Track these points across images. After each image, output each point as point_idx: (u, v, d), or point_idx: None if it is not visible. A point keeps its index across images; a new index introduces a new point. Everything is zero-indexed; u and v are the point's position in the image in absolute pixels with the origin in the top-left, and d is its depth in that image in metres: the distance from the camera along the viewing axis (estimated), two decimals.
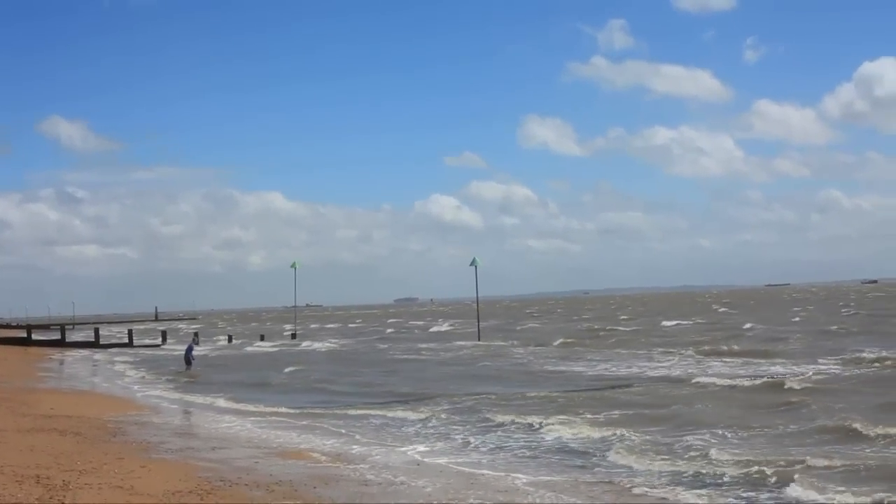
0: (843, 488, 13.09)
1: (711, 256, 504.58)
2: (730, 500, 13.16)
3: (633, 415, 21.41)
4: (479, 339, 60.41)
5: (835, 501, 12.58)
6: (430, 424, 21.89)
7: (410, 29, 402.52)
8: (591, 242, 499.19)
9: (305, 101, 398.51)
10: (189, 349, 44.17)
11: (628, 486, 14.25)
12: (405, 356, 48.34)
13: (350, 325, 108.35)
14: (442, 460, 16.97)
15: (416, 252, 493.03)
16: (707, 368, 33.47)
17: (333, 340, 70.23)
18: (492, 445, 18.63)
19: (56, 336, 79.52)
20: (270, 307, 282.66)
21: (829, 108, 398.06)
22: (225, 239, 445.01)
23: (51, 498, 11.88)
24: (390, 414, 23.99)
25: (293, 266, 76.93)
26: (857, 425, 17.68)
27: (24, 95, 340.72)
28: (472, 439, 19.43)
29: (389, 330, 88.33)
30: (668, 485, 14.18)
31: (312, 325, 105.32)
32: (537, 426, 20.31)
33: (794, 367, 31.88)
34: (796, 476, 13.64)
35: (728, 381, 27.79)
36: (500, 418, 21.73)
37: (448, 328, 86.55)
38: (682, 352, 41.67)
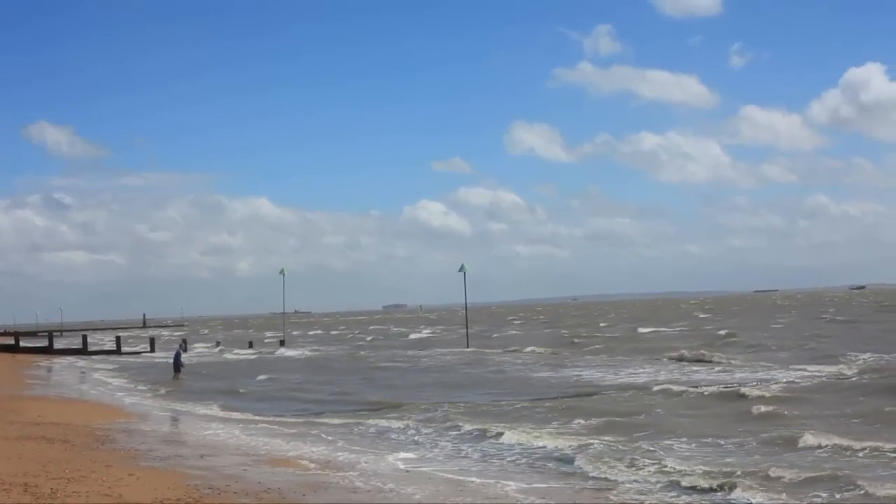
0: (785, 494, 13.74)
1: (700, 262, 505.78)
2: None
3: (600, 424, 21.84)
4: (467, 346, 60.39)
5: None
6: (411, 432, 22.23)
7: (397, 35, 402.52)
8: (579, 248, 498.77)
9: (293, 107, 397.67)
10: (177, 355, 44.31)
11: (588, 492, 14.65)
12: (386, 363, 48.84)
13: (332, 332, 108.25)
14: (428, 468, 17.08)
15: (404, 258, 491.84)
16: (676, 376, 34.29)
17: (313, 348, 70.52)
18: (480, 453, 18.86)
19: (44, 343, 79.43)
20: (259, 313, 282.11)
21: (815, 113, 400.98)
22: (213, 245, 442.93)
23: None
24: (371, 421, 24.30)
25: (282, 272, 77.06)
26: (809, 434, 18.22)
27: (11, 100, 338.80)
28: (462, 447, 19.72)
29: (370, 337, 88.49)
30: (637, 492, 14.57)
31: (294, 332, 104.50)
32: (493, 434, 20.74)
33: (761, 375, 32.67)
34: (742, 482, 14.33)
35: (691, 388, 28.45)
36: (467, 427, 22.06)
37: (427, 334, 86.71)
38: (657, 358, 42.82)
